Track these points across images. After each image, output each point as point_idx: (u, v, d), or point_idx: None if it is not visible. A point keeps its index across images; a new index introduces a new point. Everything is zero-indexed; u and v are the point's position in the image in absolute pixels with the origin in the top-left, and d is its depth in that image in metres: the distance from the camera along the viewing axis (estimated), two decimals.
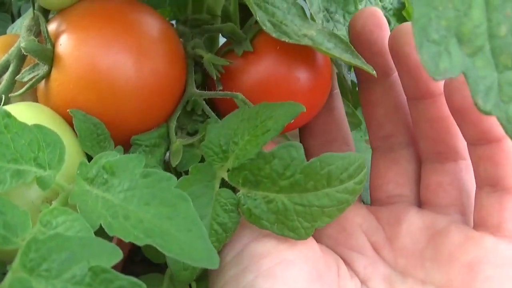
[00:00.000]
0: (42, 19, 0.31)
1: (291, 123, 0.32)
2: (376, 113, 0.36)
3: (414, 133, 0.35)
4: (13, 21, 0.85)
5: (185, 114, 0.34)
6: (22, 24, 0.53)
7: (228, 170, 0.29)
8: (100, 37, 0.30)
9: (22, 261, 0.21)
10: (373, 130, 0.37)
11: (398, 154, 0.35)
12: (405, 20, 0.45)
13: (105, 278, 0.21)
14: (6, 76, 0.32)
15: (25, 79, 0.31)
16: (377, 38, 0.34)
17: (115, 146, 0.31)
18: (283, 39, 0.28)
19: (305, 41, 0.29)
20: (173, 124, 0.33)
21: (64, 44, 0.30)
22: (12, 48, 0.32)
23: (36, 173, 0.25)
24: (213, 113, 0.32)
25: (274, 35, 0.28)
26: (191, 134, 0.34)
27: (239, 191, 0.29)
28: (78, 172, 0.26)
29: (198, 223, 0.24)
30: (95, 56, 0.29)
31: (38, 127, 0.26)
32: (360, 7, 0.39)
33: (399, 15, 0.45)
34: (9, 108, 0.28)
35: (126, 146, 0.32)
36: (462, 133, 0.30)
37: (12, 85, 0.32)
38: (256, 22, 0.29)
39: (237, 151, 0.28)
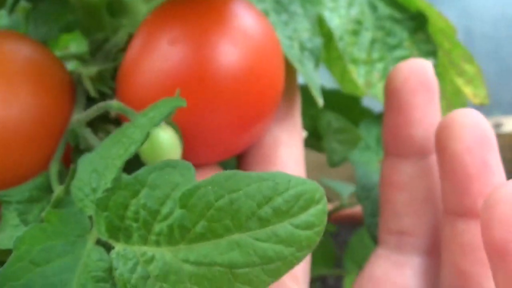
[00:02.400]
0: None
1: (233, 140, 0.23)
2: (396, 199, 0.26)
3: (442, 255, 0.24)
4: None
5: (77, 153, 0.24)
6: None
7: None
8: None
9: None
10: (386, 220, 0.27)
11: (405, 260, 0.26)
12: (398, 4, 0.35)
13: None
14: None
15: None
16: (420, 101, 0.25)
17: None
18: None
19: None
20: (54, 168, 0.23)
21: None
22: None
23: None
24: (97, 141, 0.23)
25: None
26: None
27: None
28: None
29: None
30: None
31: None
32: None
33: None
34: None
35: None
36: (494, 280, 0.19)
37: None
38: None
39: (102, 185, 0.18)
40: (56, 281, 0.18)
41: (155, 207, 0.17)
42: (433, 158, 0.26)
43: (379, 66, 0.35)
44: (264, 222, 0.16)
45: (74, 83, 0.25)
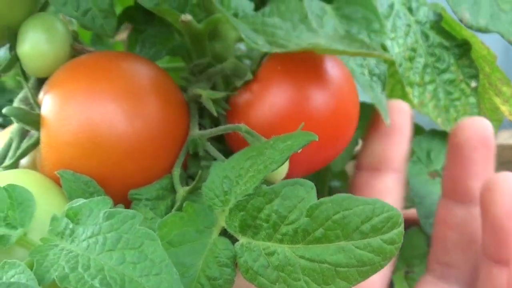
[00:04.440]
0: (24, 83, 0.30)
1: (315, 162, 0.29)
2: (447, 236, 0.32)
3: None
4: None
5: (193, 160, 0.30)
6: None
7: None
8: (80, 93, 0.27)
9: None
10: (436, 252, 0.32)
11: None
12: (447, 33, 0.40)
13: None
14: (10, 154, 0.31)
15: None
16: (479, 158, 0.30)
17: (115, 204, 0.27)
18: (274, 51, 0.25)
19: (304, 46, 0.25)
20: (177, 172, 0.28)
21: (47, 105, 0.28)
22: (13, 125, 0.31)
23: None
24: (218, 153, 0.28)
25: (264, 49, 0.25)
26: None
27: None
28: (50, 228, 0.23)
29: (168, 265, 0.20)
30: (78, 113, 0.27)
31: (10, 186, 0.24)
32: (386, 24, 0.34)
33: (438, 27, 0.39)
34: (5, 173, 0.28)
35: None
36: None
37: (15, 162, 0.30)
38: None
39: (237, 191, 0.23)
40: (186, 261, 0.23)
41: (285, 214, 0.22)
42: None
43: (430, 87, 0.40)
44: (363, 235, 0.21)
45: (186, 100, 0.30)
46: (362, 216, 0.21)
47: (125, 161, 0.27)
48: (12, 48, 0.31)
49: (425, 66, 0.40)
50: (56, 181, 0.27)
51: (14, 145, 0.30)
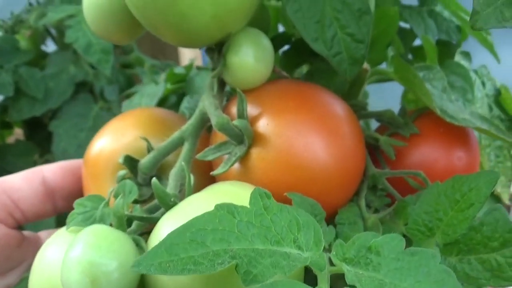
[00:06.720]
0: (243, 98, 0.32)
1: None
2: None
3: None
4: (95, 101, 0.93)
5: (369, 192, 0.38)
6: (141, 98, 0.64)
7: (437, 245, 0.33)
8: (300, 121, 0.32)
9: None
10: None
11: None
12: (502, 107, 0.50)
13: None
14: (183, 154, 0.33)
15: (209, 158, 0.32)
16: None
17: None
18: (448, 120, 0.34)
19: (466, 123, 0.34)
20: (362, 202, 0.36)
21: (266, 125, 0.32)
22: (186, 125, 0.34)
23: (301, 256, 0.25)
24: (393, 189, 0.36)
25: (448, 119, 0.34)
26: (377, 210, 0.37)
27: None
28: (333, 253, 0.26)
29: None
30: (297, 139, 0.31)
31: (293, 208, 0.27)
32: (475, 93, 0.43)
33: (497, 101, 0.49)
34: (224, 187, 0.30)
35: None
36: None
37: (189, 163, 0.33)
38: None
39: (443, 227, 0.32)
40: None
41: (491, 234, 0.31)
42: None
43: (487, 150, 0.52)
44: None
45: None
46: None
47: (325, 189, 0.32)
48: (218, 55, 0.33)
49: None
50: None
51: (187, 146, 0.33)
